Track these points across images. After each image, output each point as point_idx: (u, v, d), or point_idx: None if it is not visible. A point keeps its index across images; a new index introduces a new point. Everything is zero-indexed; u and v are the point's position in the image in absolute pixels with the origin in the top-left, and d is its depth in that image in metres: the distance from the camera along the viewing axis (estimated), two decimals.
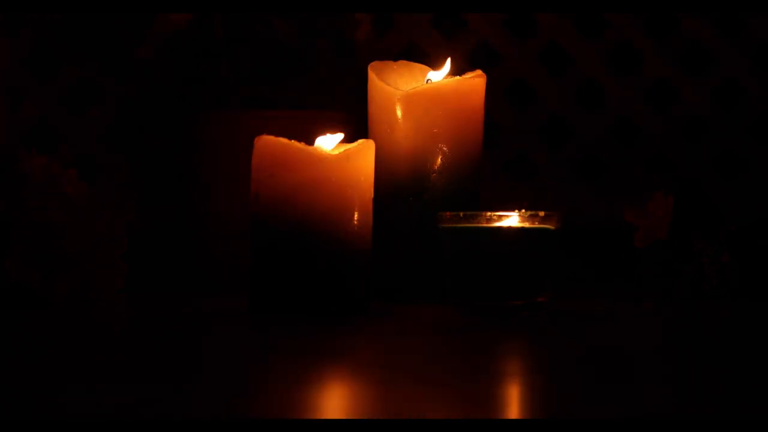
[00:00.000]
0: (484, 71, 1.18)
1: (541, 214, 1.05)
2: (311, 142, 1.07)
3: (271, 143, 1.04)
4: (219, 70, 1.38)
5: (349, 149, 1.05)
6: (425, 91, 1.17)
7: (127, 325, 1.07)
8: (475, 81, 1.17)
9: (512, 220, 1.05)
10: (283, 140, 1.04)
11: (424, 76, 1.20)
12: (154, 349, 0.88)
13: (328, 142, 1.07)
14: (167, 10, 1.39)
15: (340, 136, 1.07)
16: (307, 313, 1.03)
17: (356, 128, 1.22)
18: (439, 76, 1.19)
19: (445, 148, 1.16)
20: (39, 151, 1.17)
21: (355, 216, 1.05)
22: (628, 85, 1.53)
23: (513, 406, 0.67)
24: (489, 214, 1.06)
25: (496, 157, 1.52)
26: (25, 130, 1.47)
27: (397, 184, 1.17)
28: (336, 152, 1.05)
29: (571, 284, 1.31)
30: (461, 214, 1.06)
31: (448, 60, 1.19)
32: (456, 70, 1.19)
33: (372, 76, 1.18)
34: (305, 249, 1.03)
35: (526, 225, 1.05)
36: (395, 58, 1.22)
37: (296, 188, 1.03)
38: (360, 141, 1.07)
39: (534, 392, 0.70)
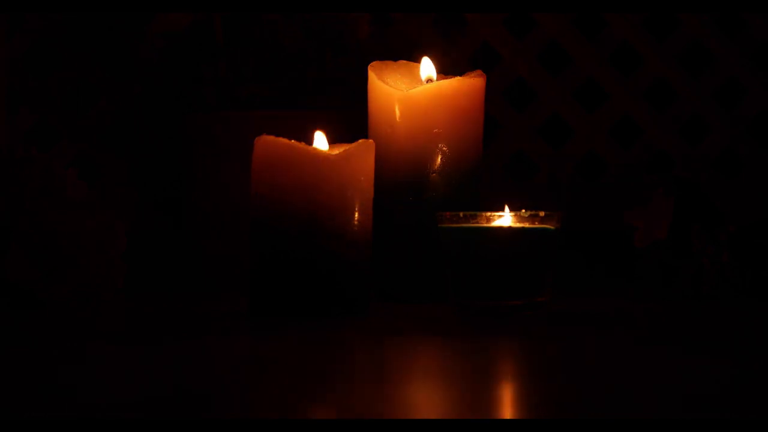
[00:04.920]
0: (484, 71, 1.18)
1: (541, 214, 1.05)
2: (311, 142, 1.07)
3: (271, 143, 1.04)
4: (219, 70, 1.38)
5: (349, 149, 1.05)
6: (425, 91, 1.16)
7: (127, 326, 1.07)
8: (475, 81, 1.17)
9: (512, 220, 1.05)
10: (283, 140, 1.04)
11: None
12: (154, 349, 0.88)
13: (320, 141, 1.07)
14: (167, 10, 1.39)
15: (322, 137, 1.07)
16: (306, 314, 1.03)
17: (356, 128, 1.22)
18: (429, 70, 1.19)
19: (445, 148, 1.16)
20: (39, 151, 1.17)
21: (355, 216, 1.05)
22: (629, 85, 1.53)
23: (513, 406, 0.67)
24: (489, 214, 1.06)
25: (496, 157, 1.52)
26: (25, 130, 1.47)
27: (397, 184, 1.17)
28: (336, 152, 1.05)
29: (571, 284, 1.31)
30: (461, 214, 1.06)
31: (424, 59, 1.19)
32: (455, 70, 1.19)
33: (372, 76, 1.18)
34: (305, 249, 1.03)
35: (526, 225, 1.05)
36: (395, 58, 1.22)
37: (296, 188, 1.03)
38: (360, 141, 1.07)
39: (534, 392, 0.70)
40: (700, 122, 1.53)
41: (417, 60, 1.22)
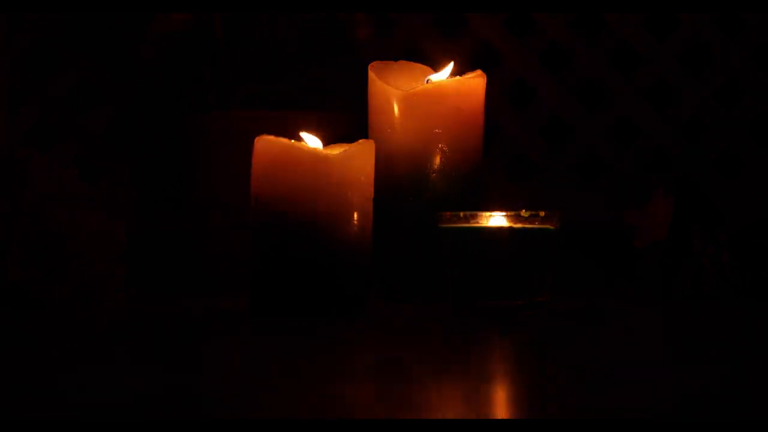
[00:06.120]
0: (484, 71, 1.18)
1: (541, 214, 1.05)
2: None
3: (271, 143, 1.04)
4: (218, 70, 1.38)
5: (349, 149, 1.05)
6: (425, 91, 1.16)
7: (127, 326, 1.07)
8: (475, 81, 1.17)
9: (512, 219, 1.05)
10: (283, 140, 1.04)
11: (424, 76, 1.20)
12: (154, 349, 0.88)
13: (311, 142, 1.07)
14: (167, 10, 1.39)
15: (317, 140, 1.07)
16: (307, 314, 1.03)
17: (356, 128, 1.22)
18: (442, 76, 1.19)
19: (445, 148, 1.16)
20: (39, 151, 1.17)
21: (355, 216, 1.05)
22: (629, 84, 1.53)
23: (512, 407, 0.67)
24: (489, 214, 1.06)
25: (496, 157, 1.52)
26: (25, 130, 1.47)
27: (397, 184, 1.17)
28: (336, 152, 1.05)
29: (571, 284, 1.31)
30: (461, 214, 1.06)
31: (451, 64, 1.19)
32: (456, 71, 1.19)
33: (372, 76, 1.18)
34: (305, 249, 1.03)
35: (526, 225, 1.05)
36: (395, 58, 1.22)
37: (296, 188, 1.03)
38: (360, 141, 1.07)
39: (533, 392, 0.70)
40: (700, 122, 1.53)
41: (417, 60, 1.22)
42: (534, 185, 1.53)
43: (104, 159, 1.49)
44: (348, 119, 1.33)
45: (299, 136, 1.07)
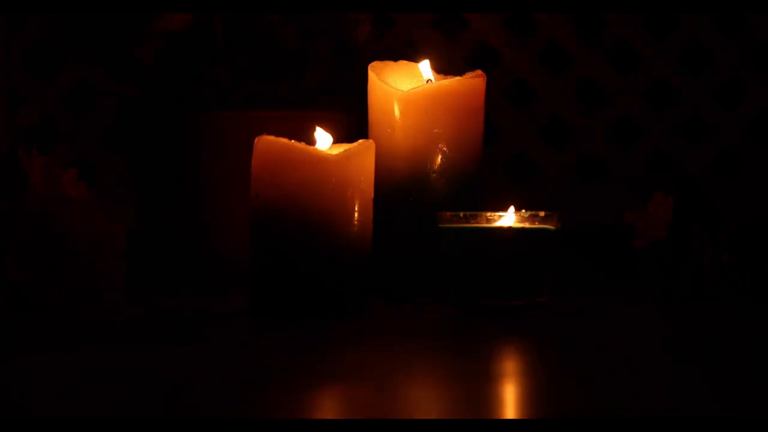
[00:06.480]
0: (484, 71, 1.18)
1: (541, 214, 1.05)
2: (311, 142, 1.07)
3: (271, 143, 1.04)
4: (218, 70, 1.38)
5: (349, 149, 1.05)
6: (425, 91, 1.16)
7: (127, 326, 1.07)
8: (475, 81, 1.17)
9: (512, 220, 1.05)
10: (283, 140, 1.04)
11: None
12: (154, 349, 0.88)
13: (324, 139, 1.07)
14: (167, 10, 1.39)
15: (330, 138, 1.07)
16: (307, 314, 1.03)
17: (356, 128, 1.22)
18: (426, 72, 1.19)
19: (445, 148, 1.16)
20: (39, 151, 1.17)
21: (355, 216, 1.05)
22: (629, 84, 1.53)
23: (512, 407, 0.67)
24: (489, 214, 1.06)
25: (496, 157, 1.52)
26: (25, 130, 1.47)
27: (397, 184, 1.17)
28: (336, 152, 1.05)
29: (571, 284, 1.31)
30: (461, 214, 1.06)
31: (426, 61, 1.19)
32: (455, 70, 1.19)
33: (372, 76, 1.18)
34: (305, 249, 1.03)
35: (526, 225, 1.05)
36: (395, 58, 1.22)
37: (296, 188, 1.03)
38: (360, 141, 1.07)
39: (533, 392, 0.70)
40: (700, 122, 1.53)
41: (417, 60, 1.22)
42: (534, 185, 1.53)
43: (104, 159, 1.49)
44: (348, 119, 1.33)
45: (314, 132, 1.07)
